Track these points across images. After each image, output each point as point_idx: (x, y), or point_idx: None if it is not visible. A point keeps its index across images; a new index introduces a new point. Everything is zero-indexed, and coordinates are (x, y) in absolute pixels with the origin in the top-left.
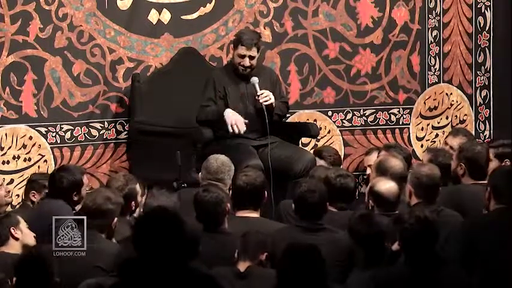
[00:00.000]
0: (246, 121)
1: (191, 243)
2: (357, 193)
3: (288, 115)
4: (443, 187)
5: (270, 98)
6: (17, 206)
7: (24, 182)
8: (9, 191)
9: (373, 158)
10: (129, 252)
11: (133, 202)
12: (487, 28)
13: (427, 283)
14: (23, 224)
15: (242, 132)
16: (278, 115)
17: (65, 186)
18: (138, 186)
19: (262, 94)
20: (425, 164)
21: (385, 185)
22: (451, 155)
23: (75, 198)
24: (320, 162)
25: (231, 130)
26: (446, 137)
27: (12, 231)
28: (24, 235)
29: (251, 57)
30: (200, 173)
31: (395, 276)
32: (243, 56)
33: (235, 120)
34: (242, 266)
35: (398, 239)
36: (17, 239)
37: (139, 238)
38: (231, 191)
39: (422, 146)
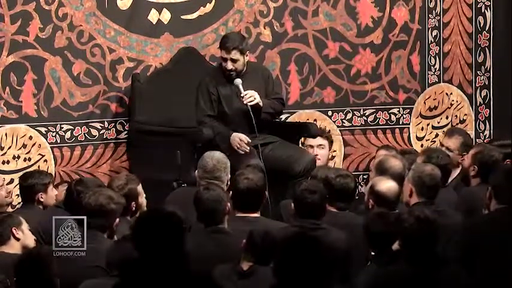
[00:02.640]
0: (249, 140)
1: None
2: (356, 193)
3: (285, 112)
4: (463, 187)
5: (255, 98)
6: (17, 206)
7: None
8: (9, 192)
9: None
10: (120, 251)
11: (133, 203)
12: (487, 28)
13: (428, 283)
14: (25, 226)
15: (247, 150)
16: (270, 113)
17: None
18: (140, 187)
19: (246, 95)
20: (427, 164)
21: (385, 184)
22: (446, 155)
23: None
24: None
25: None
26: (443, 138)
27: (13, 231)
28: (25, 236)
29: (233, 60)
30: (196, 172)
31: (395, 276)
32: (225, 60)
33: (238, 143)
34: (245, 265)
35: (399, 238)
36: (18, 239)
37: (139, 238)
38: (231, 192)
39: (422, 146)
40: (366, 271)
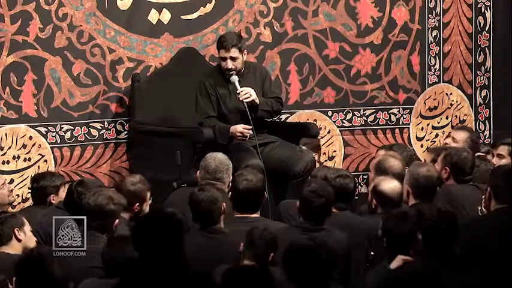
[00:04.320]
0: (248, 126)
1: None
2: (356, 193)
3: (285, 112)
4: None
5: (251, 95)
6: (17, 206)
7: (25, 182)
8: (11, 190)
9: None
10: (113, 251)
11: (138, 204)
12: (487, 28)
13: (449, 279)
14: (27, 227)
15: (251, 132)
16: (267, 111)
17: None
18: (148, 194)
19: (242, 91)
20: (424, 165)
21: (389, 184)
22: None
23: None
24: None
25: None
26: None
27: (16, 232)
28: (27, 238)
29: (232, 59)
30: (198, 172)
31: (415, 270)
32: (224, 59)
33: (239, 133)
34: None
35: (421, 234)
36: (19, 240)
37: (139, 239)
38: (230, 193)
39: (422, 146)
40: (376, 272)
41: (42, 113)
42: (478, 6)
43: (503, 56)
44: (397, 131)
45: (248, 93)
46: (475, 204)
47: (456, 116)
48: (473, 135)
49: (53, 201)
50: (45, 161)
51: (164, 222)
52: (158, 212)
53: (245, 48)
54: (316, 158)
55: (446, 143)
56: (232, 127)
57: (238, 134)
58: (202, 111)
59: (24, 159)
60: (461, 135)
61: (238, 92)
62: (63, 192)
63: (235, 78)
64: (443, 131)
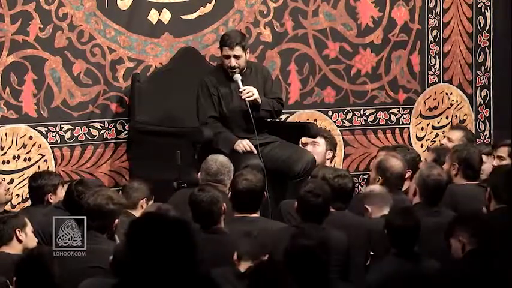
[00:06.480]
0: (252, 147)
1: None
2: (356, 193)
3: (285, 112)
4: None
5: (253, 94)
6: (17, 206)
7: (25, 182)
8: (8, 189)
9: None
10: (124, 252)
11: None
12: (487, 28)
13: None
14: (29, 228)
15: (248, 149)
16: (268, 111)
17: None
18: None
19: (244, 90)
20: (436, 168)
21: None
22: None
23: None
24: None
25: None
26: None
27: (17, 232)
28: (28, 239)
29: (236, 57)
30: (199, 174)
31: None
32: (228, 57)
33: (243, 146)
34: (243, 267)
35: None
36: (20, 241)
37: (135, 241)
38: (230, 193)
39: (422, 146)
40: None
41: (42, 112)
42: (478, 6)
43: (503, 56)
44: (397, 130)
45: (251, 92)
46: (480, 204)
47: (456, 116)
48: (469, 133)
49: (51, 200)
50: (45, 160)
51: (159, 224)
52: (152, 213)
53: (248, 46)
54: (331, 156)
55: (442, 144)
56: (238, 141)
57: (241, 145)
58: (204, 111)
59: (24, 159)
60: (457, 135)
61: (240, 90)
62: (61, 192)
63: (238, 77)
64: (444, 131)
